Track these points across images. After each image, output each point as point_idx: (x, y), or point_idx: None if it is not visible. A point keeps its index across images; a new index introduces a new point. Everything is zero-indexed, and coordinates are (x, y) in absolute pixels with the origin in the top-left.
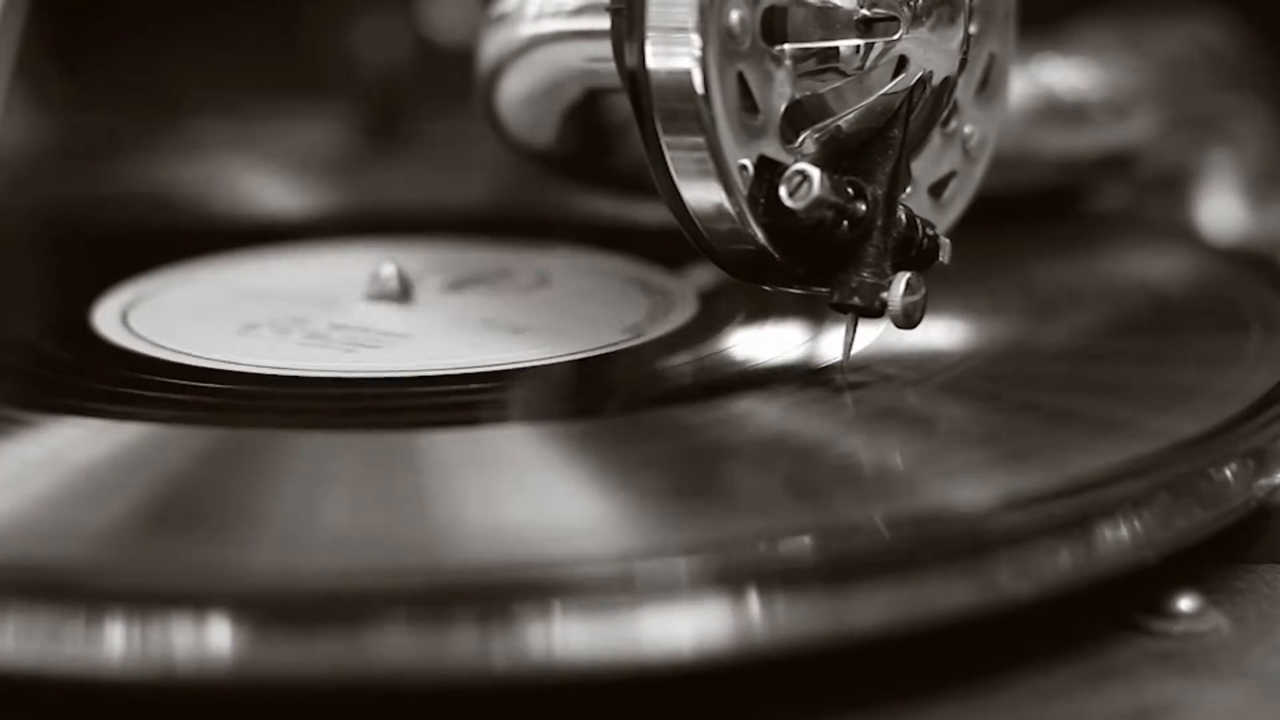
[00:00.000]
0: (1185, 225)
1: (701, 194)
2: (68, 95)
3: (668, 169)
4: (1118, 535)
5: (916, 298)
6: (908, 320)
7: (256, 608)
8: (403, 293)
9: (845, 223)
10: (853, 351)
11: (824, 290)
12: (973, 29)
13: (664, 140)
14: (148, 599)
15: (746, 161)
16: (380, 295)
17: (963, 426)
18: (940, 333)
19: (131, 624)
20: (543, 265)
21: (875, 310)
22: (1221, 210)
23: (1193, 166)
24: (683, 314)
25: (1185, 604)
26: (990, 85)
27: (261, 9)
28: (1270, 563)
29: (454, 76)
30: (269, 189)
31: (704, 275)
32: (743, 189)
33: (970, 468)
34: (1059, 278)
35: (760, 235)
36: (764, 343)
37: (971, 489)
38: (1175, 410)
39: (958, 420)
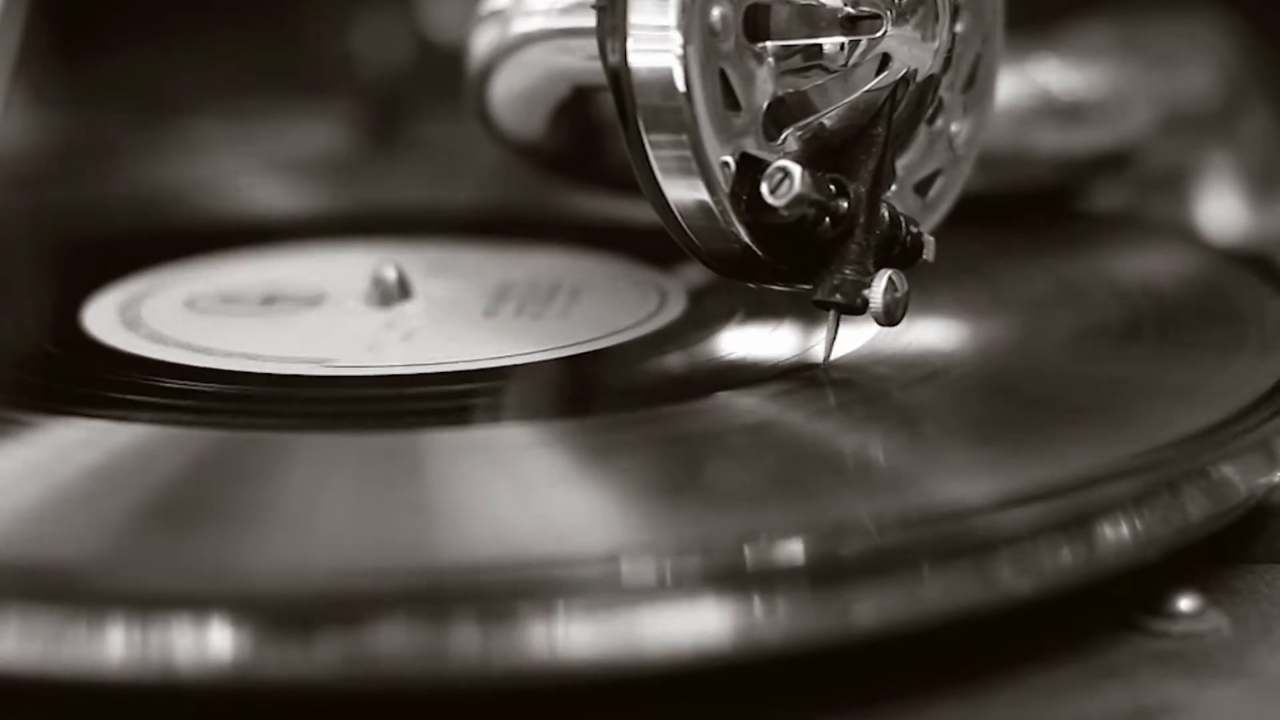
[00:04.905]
0: (1185, 225)
1: (684, 191)
2: (68, 95)
3: (650, 166)
4: (1117, 534)
5: (899, 295)
6: (889, 318)
7: (257, 609)
8: (402, 293)
9: (827, 220)
10: (837, 352)
11: (807, 287)
12: (959, 27)
13: (646, 138)
14: (148, 600)
15: (729, 159)
16: (380, 295)
17: (961, 425)
18: (939, 331)
19: (132, 625)
20: (540, 264)
21: (857, 308)
22: (1221, 210)
23: (1193, 166)
24: (678, 311)
25: (1185, 604)
26: (978, 84)
27: (261, 9)
28: (1270, 563)
29: (453, 76)
30: (269, 189)
31: (699, 272)
32: (725, 186)
33: (969, 466)
34: (1058, 277)
35: (743, 233)
36: (763, 342)
37: (971, 487)
38: (1175, 409)
39: (956, 419)
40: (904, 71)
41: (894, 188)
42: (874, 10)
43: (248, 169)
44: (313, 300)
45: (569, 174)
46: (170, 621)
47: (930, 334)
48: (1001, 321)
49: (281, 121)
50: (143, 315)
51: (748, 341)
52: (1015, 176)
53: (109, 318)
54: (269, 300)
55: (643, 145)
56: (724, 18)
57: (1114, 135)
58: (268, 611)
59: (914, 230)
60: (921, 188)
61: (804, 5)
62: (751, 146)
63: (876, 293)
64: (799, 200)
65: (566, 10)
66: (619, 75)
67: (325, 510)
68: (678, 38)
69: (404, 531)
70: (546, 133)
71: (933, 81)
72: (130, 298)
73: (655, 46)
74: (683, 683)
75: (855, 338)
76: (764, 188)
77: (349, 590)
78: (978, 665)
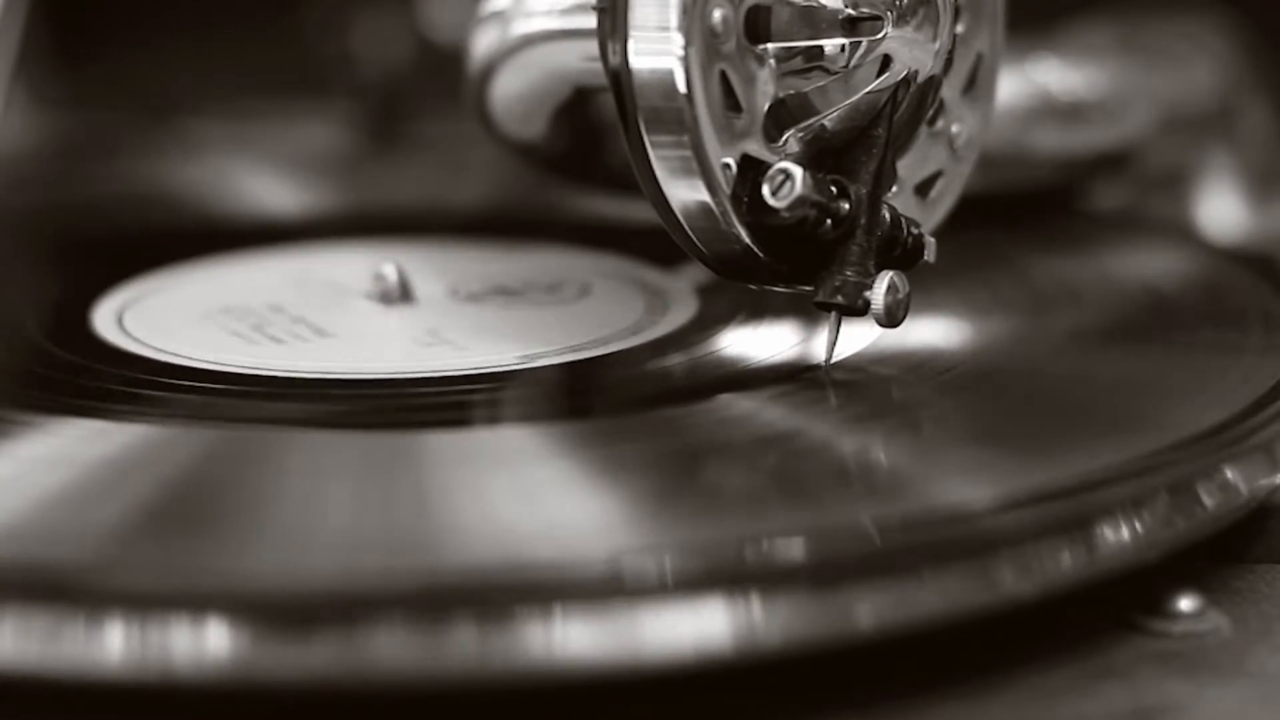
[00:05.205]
0: (1185, 225)
1: (685, 193)
2: (67, 95)
3: (652, 168)
4: (1118, 535)
5: (900, 297)
6: (890, 319)
7: (255, 609)
8: (403, 293)
9: (828, 221)
10: (840, 353)
11: (808, 289)
12: (959, 28)
13: (647, 139)
14: (147, 600)
15: (730, 160)
16: (380, 295)
17: (962, 426)
18: (940, 332)
19: (130, 625)
20: (541, 265)
21: (858, 309)
22: (1221, 210)
23: (1193, 166)
24: (680, 313)
25: (1185, 604)
26: (978, 84)
27: (262, 9)
28: (1270, 563)
29: (453, 76)
30: (269, 189)
31: (700, 274)
32: (726, 188)
33: (969, 467)
34: (1059, 277)
35: (744, 234)
36: (764, 343)
37: (971, 489)
38: (1175, 410)
39: (957, 420)
40: (905, 73)
41: (895, 189)
42: (875, 12)
43: (248, 169)
44: (312, 300)
45: (569, 174)
46: (169, 621)
47: (931, 335)
48: (1002, 321)
49: (281, 121)
50: (143, 315)
51: (749, 343)
52: (1015, 176)
53: (109, 318)
54: (268, 299)
55: (644, 146)
56: (725, 19)
57: (1114, 135)
58: (266, 612)
59: (915, 231)
60: (922, 189)
61: (805, 7)
62: (753, 148)
63: (878, 294)
64: (800, 202)
65: (567, 11)
66: (620, 76)
67: (324, 511)
68: (679, 39)
69: (403, 532)
70: (547, 133)
71: (933, 82)
72: (130, 298)
73: (656, 48)
74: (683, 685)
75: (856, 339)
76: (765, 189)
77: (347, 591)
78: (978, 666)
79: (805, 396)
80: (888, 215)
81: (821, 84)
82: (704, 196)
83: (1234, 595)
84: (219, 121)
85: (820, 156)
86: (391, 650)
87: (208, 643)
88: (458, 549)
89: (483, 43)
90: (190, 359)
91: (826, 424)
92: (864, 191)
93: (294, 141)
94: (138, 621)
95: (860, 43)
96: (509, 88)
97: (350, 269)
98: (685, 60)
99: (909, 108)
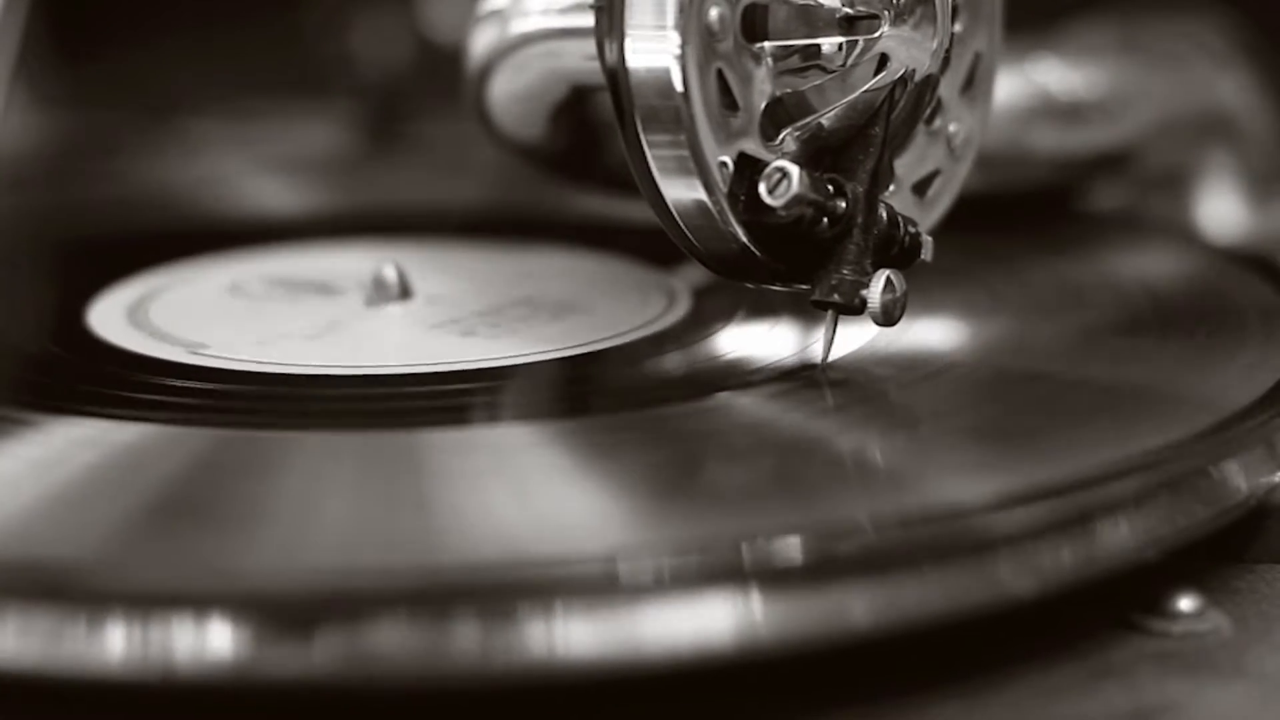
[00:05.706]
0: (1185, 225)
1: (682, 191)
2: (68, 95)
3: (648, 167)
4: (1118, 533)
5: (897, 295)
6: (887, 318)
7: (256, 608)
8: (403, 293)
9: (825, 220)
10: (836, 352)
11: (805, 287)
12: (957, 27)
13: (644, 138)
14: (148, 599)
15: (727, 159)
16: (380, 295)
17: (960, 425)
18: (939, 331)
19: (131, 624)
20: (540, 264)
21: (855, 308)
22: (1221, 210)
23: (1193, 166)
24: (678, 312)
25: (1185, 604)
26: (976, 84)
27: (262, 9)
28: (1270, 563)
29: (453, 76)
30: (269, 189)
31: (698, 272)
32: (723, 186)
33: (969, 466)
34: (1058, 277)
35: (740, 233)
36: (761, 342)
37: (971, 487)
38: (1175, 408)
39: (955, 419)
40: (902, 71)
41: (892, 188)
42: (872, 10)
43: (248, 169)
44: (312, 300)
45: (568, 174)
46: (170, 620)
47: (929, 334)
48: (1001, 321)
49: (281, 121)
50: (143, 315)
51: (747, 341)
52: (1015, 176)
53: (109, 318)
54: (268, 300)
55: (640, 145)
56: (722, 18)
57: (1114, 135)
58: (267, 610)
59: (912, 230)
60: (920, 188)
61: (802, 5)
62: (749, 146)
63: (874, 293)
64: (797, 200)
65: (565, 10)
66: (617, 75)
67: (325, 509)
68: (675, 38)
69: (404, 530)
70: (545, 133)
71: (931, 81)
72: (130, 298)
73: (653, 47)
74: (681, 682)
75: (854, 338)
76: (762, 188)
77: (349, 589)
78: (978, 664)
79: (803, 395)
80: (885, 214)
81: (819, 83)
82: (700, 195)
83: (1234, 595)
84: (219, 121)
85: (817, 155)
86: (393, 648)
87: (209, 642)
88: (458, 547)
89: (481, 42)
90: (190, 358)
91: (824, 422)
92: (861, 190)
93: (294, 141)
94: (139, 621)
95: (857, 41)
96: (507, 87)
97: (350, 269)
98: (682, 59)
99: (906, 107)
